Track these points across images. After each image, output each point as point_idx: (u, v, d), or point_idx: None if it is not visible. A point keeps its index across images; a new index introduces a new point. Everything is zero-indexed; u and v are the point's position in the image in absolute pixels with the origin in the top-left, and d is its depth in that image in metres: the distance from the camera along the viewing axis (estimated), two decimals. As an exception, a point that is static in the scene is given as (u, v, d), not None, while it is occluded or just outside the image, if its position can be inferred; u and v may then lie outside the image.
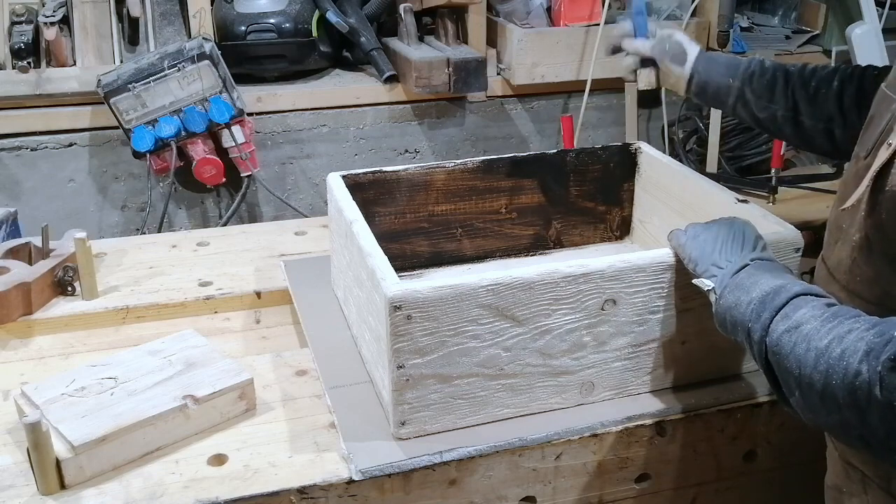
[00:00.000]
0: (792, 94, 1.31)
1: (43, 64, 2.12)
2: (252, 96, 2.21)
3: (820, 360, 0.84)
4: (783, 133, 1.36)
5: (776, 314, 0.92)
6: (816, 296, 0.94)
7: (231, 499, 1.05)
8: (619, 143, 1.61)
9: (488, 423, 1.17)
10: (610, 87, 2.41)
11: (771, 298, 0.94)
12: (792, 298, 0.93)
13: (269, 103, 2.25)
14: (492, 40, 2.41)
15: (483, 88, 2.30)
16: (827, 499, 1.08)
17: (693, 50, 1.40)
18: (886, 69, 1.30)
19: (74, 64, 2.14)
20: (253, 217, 2.34)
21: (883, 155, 0.90)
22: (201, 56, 2.05)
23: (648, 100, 2.48)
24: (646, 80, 1.45)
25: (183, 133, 2.09)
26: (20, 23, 2.12)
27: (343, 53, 2.50)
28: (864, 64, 1.31)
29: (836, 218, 1.03)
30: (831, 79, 1.28)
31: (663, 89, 1.48)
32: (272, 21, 2.23)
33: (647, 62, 1.44)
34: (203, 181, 2.14)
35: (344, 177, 1.42)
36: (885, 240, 0.91)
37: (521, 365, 1.14)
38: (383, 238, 1.29)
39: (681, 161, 1.80)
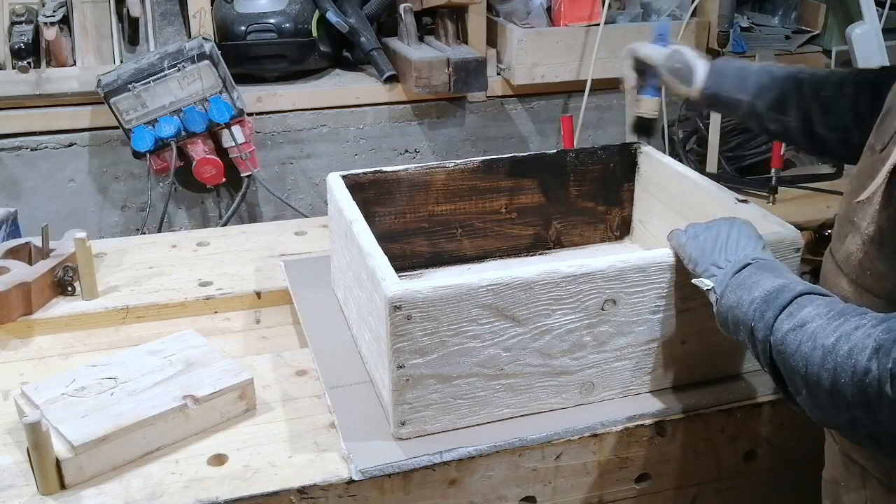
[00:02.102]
0: (804, 105, 1.27)
1: (43, 64, 2.12)
2: (252, 96, 2.21)
3: (827, 358, 0.84)
4: (797, 143, 1.35)
5: (780, 313, 0.92)
6: (820, 295, 0.94)
7: (231, 499, 1.05)
8: (619, 143, 1.61)
9: (488, 423, 1.17)
10: (610, 87, 2.39)
11: (774, 297, 0.94)
12: (796, 297, 0.93)
13: (269, 103, 2.25)
14: (492, 40, 2.41)
15: (483, 88, 2.30)
16: (824, 493, 1.08)
17: (701, 68, 1.36)
18: None
19: (74, 64, 2.14)
20: (253, 217, 2.34)
21: None
22: (201, 56, 2.05)
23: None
24: (647, 107, 1.47)
25: (183, 133, 2.09)
26: (20, 23, 2.12)
27: (343, 53, 2.50)
28: (863, 64, 1.30)
29: (847, 211, 1.02)
30: (844, 86, 1.25)
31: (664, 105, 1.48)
32: (272, 21, 2.23)
33: (649, 89, 1.44)
34: (203, 181, 2.14)
35: (344, 177, 1.42)
36: None
37: (521, 365, 1.14)
38: (383, 238, 1.29)
39: (681, 161, 1.79)
